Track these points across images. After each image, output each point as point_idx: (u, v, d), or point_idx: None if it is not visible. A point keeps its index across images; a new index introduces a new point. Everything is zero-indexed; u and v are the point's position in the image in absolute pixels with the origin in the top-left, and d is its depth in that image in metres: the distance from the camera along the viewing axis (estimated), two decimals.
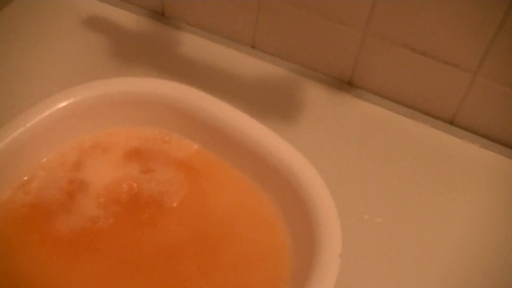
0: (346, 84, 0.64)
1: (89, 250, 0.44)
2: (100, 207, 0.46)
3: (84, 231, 0.45)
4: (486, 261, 0.52)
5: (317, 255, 0.40)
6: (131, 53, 0.65)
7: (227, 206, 0.46)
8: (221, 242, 0.45)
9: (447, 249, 0.52)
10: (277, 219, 0.45)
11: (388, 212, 0.54)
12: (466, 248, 0.53)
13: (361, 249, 0.51)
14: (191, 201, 0.46)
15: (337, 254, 0.40)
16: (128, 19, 0.68)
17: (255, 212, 0.46)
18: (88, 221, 0.45)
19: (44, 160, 0.47)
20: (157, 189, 0.47)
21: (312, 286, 0.38)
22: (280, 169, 0.45)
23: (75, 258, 0.44)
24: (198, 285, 0.43)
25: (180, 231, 0.45)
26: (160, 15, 0.68)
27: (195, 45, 0.66)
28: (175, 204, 0.46)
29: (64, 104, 0.47)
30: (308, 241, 0.41)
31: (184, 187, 0.47)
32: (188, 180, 0.47)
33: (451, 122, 0.61)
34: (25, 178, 0.46)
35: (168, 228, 0.45)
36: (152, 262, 0.44)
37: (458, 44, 0.56)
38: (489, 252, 0.53)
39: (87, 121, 0.48)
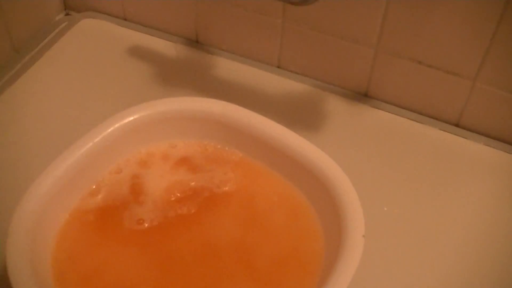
0: (362, 95, 0.68)
1: (148, 246, 0.50)
2: (157, 209, 0.52)
3: (143, 230, 0.50)
4: (491, 244, 0.56)
5: (344, 236, 0.45)
6: (171, 76, 0.69)
7: (268, 201, 0.52)
8: (264, 230, 0.50)
9: (456, 236, 0.56)
10: (309, 210, 0.51)
11: (404, 204, 0.58)
12: (473, 235, 0.57)
13: (382, 235, 0.56)
14: (237, 199, 0.52)
15: (361, 235, 0.46)
16: (166, 47, 0.73)
17: (291, 206, 0.52)
18: (147, 221, 0.51)
19: (109, 169, 0.53)
20: (206, 189, 0.53)
21: (341, 262, 0.44)
22: (311, 169, 0.50)
23: (138, 254, 0.49)
24: (240, 268, 0.49)
25: (227, 226, 0.51)
26: (194, 42, 0.73)
27: (227, 67, 0.71)
28: (223, 202, 0.52)
29: (126, 120, 0.53)
30: (335, 227, 0.47)
31: (230, 187, 0.53)
32: (233, 181, 0.53)
33: (457, 124, 0.65)
34: (94, 186, 0.53)
35: (216, 223, 0.51)
36: (202, 255, 0.49)
37: (458, 55, 0.60)
38: (493, 237, 0.57)
39: (145, 135, 0.54)
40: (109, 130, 0.53)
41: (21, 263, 0.45)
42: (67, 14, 0.79)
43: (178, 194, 0.53)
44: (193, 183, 0.54)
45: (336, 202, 0.48)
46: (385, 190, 0.60)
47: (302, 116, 0.66)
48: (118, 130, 0.53)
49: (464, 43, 0.59)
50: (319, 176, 0.50)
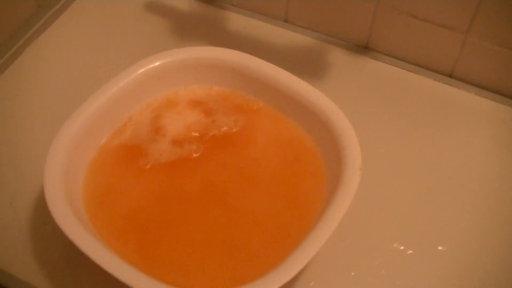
0: (363, 48, 0.72)
1: (165, 177, 0.56)
2: (175, 146, 0.57)
3: (163, 163, 0.56)
4: (479, 185, 0.61)
5: (343, 169, 0.51)
6: (186, 30, 0.73)
7: (277, 140, 0.57)
8: (274, 163, 0.56)
9: (446, 176, 0.61)
10: (314, 147, 0.56)
11: (400, 146, 0.63)
12: (462, 175, 0.61)
13: (378, 172, 0.61)
14: (246, 138, 0.58)
15: (358, 168, 0.51)
16: (180, 2, 0.76)
17: (297, 144, 0.57)
18: (165, 156, 0.57)
19: (132, 111, 0.59)
20: (218, 130, 0.58)
21: (341, 191, 0.50)
22: (315, 111, 0.56)
23: (157, 182, 0.55)
24: (254, 197, 0.54)
25: (241, 157, 0.57)
26: None
27: (238, 21, 0.74)
28: (233, 142, 0.57)
29: (150, 66, 0.58)
30: (336, 161, 0.52)
31: (241, 128, 0.58)
32: (244, 123, 0.58)
33: (450, 75, 0.69)
34: (119, 125, 0.58)
35: (224, 162, 0.57)
36: (220, 181, 0.55)
37: (450, 10, 0.64)
38: (482, 179, 0.61)
39: (166, 80, 0.59)
40: (134, 75, 0.58)
41: (56, 190, 0.50)
42: None
43: (194, 134, 0.58)
44: (207, 125, 0.59)
45: (337, 140, 0.53)
46: (383, 134, 0.64)
47: (307, 66, 0.70)
48: (141, 75, 0.58)
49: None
50: (322, 117, 0.55)
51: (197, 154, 0.57)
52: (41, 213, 0.58)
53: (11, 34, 0.73)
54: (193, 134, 0.58)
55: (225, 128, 0.59)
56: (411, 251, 0.56)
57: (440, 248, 0.57)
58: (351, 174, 0.51)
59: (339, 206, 0.49)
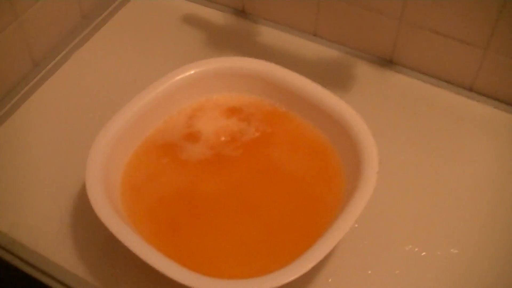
0: (388, 62, 0.75)
1: (196, 174, 0.60)
2: (208, 147, 0.62)
3: (194, 162, 0.61)
4: (495, 194, 0.63)
5: (361, 172, 0.55)
6: (220, 42, 0.77)
7: (301, 144, 0.62)
8: (296, 166, 0.60)
9: (463, 185, 0.64)
10: (334, 152, 0.60)
11: (419, 155, 0.66)
12: (479, 185, 0.64)
13: (396, 178, 0.64)
14: (274, 140, 0.62)
15: (375, 172, 0.55)
16: (215, 16, 0.81)
17: (319, 148, 0.61)
18: (196, 156, 0.61)
19: (169, 114, 0.63)
20: (247, 134, 0.62)
21: (359, 192, 0.53)
22: (336, 117, 0.59)
23: (189, 178, 0.60)
24: (277, 196, 0.58)
25: (267, 160, 0.61)
26: (241, 11, 0.81)
27: (269, 35, 0.78)
28: (262, 143, 0.62)
29: (187, 74, 0.63)
30: (355, 165, 0.56)
31: (269, 133, 0.62)
32: (271, 126, 0.63)
33: (470, 89, 0.72)
34: (156, 126, 0.63)
35: (259, 158, 0.61)
36: (245, 181, 0.60)
37: (470, 26, 0.67)
38: (498, 188, 0.64)
39: (202, 87, 0.64)
40: (171, 81, 0.63)
41: (96, 186, 0.55)
42: None
43: (224, 138, 0.63)
44: (237, 130, 0.63)
45: (356, 145, 0.57)
46: (403, 142, 0.68)
47: (334, 78, 0.74)
48: (178, 82, 0.63)
49: (476, 16, 0.66)
50: (342, 123, 0.59)
51: (227, 155, 0.62)
52: (81, 206, 0.62)
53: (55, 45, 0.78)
54: (223, 137, 0.63)
55: (253, 133, 0.63)
56: (424, 253, 0.60)
57: (453, 250, 0.60)
58: (368, 176, 0.55)
59: (356, 205, 0.53)
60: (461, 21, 0.68)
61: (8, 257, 0.59)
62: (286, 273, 0.50)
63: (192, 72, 0.63)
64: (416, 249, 0.60)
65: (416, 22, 0.70)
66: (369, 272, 0.58)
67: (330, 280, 0.58)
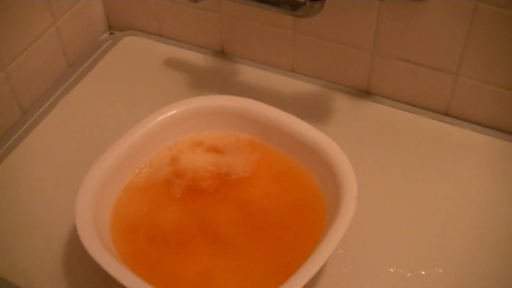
0: (364, 92, 0.77)
1: (186, 204, 0.62)
2: (190, 184, 0.64)
3: (182, 194, 0.63)
4: (474, 214, 0.65)
5: (340, 197, 0.56)
6: (201, 82, 0.79)
7: (282, 176, 0.63)
8: (276, 195, 0.62)
9: (442, 208, 0.65)
10: (313, 180, 0.62)
11: (398, 180, 0.67)
12: (457, 207, 0.65)
13: (376, 204, 0.65)
14: (256, 173, 0.64)
15: (354, 196, 0.56)
16: (196, 57, 0.83)
17: (299, 177, 0.63)
18: (185, 190, 0.63)
19: (153, 154, 0.65)
20: (230, 166, 0.65)
21: (339, 217, 0.55)
22: (315, 147, 0.61)
23: (181, 209, 0.62)
24: (262, 221, 0.60)
25: (248, 194, 0.63)
26: (220, 52, 0.83)
27: (249, 73, 0.80)
28: (244, 177, 0.64)
29: (168, 114, 0.65)
30: (334, 191, 0.58)
31: (248, 166, 0.64)
32: (251, 161, 0.65)
33: (446, 113, 0.74)
34: (142, 166, 0.65)
35: (241, 192, 0.63)
36: (232, 214, 0.61)
37: (439, 54, 0.69)
38: (476, 209, 0.65)
39: (181, 127, 0.66)
40: (154, 122, 0.65)
41: (86, 224, 0.57)
42: (111, 33, 0.91)
43: (207, 174, 0.65)
44: (219, 166, 0.65)
45: (335, 172, 0.59)
46: (382, 169, 0.69)
47: (313, 111, 0.76)
48: (160, 122, 0.65)
49: (444, 43, 0.69)
50: (321, 153, 0.61)
51: (209, 190, 0.63)
52: (73, 247, 0.64)
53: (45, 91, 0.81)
54: (206, 174, 0.64)
55: (235, 168, 0.65)
56: (409, 274, 0.61)
57: (437, 270, 0.61)
58: (348, 201, 0.56)
59: (337, 229, 0.55)
60: (431, 48, 0.70)
61: None
62: None
63: (173, 112, 0.65)
64: (401, 271, 0.61)
65: (388, 53, 0.73)
66: None
67: None
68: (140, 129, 0.64)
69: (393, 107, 0.76)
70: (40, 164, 0.72)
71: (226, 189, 0.63)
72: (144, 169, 0.65)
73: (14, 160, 0.73)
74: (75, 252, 0.63)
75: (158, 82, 0.81)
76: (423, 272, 0.61)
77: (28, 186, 0.70)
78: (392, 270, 0.61)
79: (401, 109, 0.76)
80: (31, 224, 0.66)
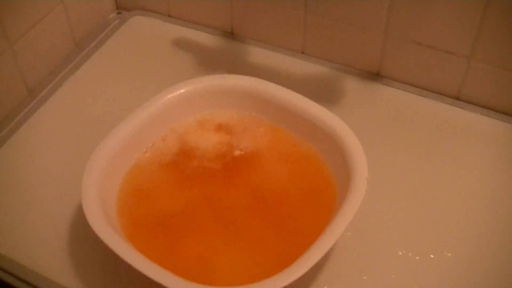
0: (374, 75, 0.76)
1: (194, 185, 0.62)
2: (200, 163, 0.63)
3: (190, 174, 0.62)
4: (485, 199, 0.64)
5: (351, 179, 0.56)
6: (210, 63, 0.79)
7: (292, 156, 0.62)
8: (286, 175, 0.61)
9: (452, 192, 0.65)
10: (323, 161, 0.61)
11: (407, 163, 0.67)
12: (468, 191, 0.65)
13: (386, 186, 0.65)
14: (266, 154, 0.63)
15: (364, 177, 0.56)
16: (205, 38, 0.83)
17: (309, 158, 0.62)
18: (193, 170, 0.63)
19: (162, 133, 0.64)
20: (239, 147, 0.64)
21: (350, 198, 0.54)
22: (325, 128, 0.61)
23: (187, 189, 0.61)
24: (271, 202, 0.60)
25: (257, 174, 0.62)
26: (230, 33, 0.83)
27: (258, 54, 0.80)
28: (252, 155, 0.63)
29: (174, 94, 0.64)
30: (345, 173, 0.57)
31: (258, 146, 0.64)
32: (260, 141, 0.64)
33: (457, 98, 0.73)
34: (150, 144, 0.64)
35: (250, 172, 0.62)
36: (233, 196, 0.61)
37: (453, 37, 0.68)
38: (487, 194, 0.65)
39: (189, 106, 0.65)
40: (162, 100, 0.64)
41: (92, 203, 0.56)
42: (118, 13, 0.90)
43: (215, 153, 0.64)
44: (228, 146, 0.64)
45: (345, 153, 0.58)
46: (393, 151, 0.69)
47: (322, 93, 0.75)
48: (169, 100, 0.64)
49: (458, 26, 0.68)
50: (331, 133, 0.61)
51: (217, 170, 0.63)
52: (79, 226, 0.63)
53: (51, 71, 0.80)
54: (214, 154, 0.64)
55: (244, 149, 0.64)
56: (418, 257, 0.60)
57: (446, 254, 0.60)
58: (358, 182, 0.56)
59: (347, 210, 0.54)
60: (444, 31, 0.69)
61: (8, 279, 0.60)
62: (278, 280, 0.50)
63: (181, 91, 0.64)
64: (410, 254, 0.60)
65: (400, 35, 0.72)
66: (364, 278, 0.59)
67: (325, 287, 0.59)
68: (148, 107, 0.63)
69: (404, 90, 0.75)
70: (46, 143, 0.71)
71: (234, 169, 0.63)
72: (152, 149, 0.64)
73: (19, 139, 0.72)
74: (81, 231, 0.62)
75: (166, 63, 0.80)
76: (432, 256, 0.60)
77: (33, 165, 0.69)
78: (400, 253, 0.61)
79: (412, 93, 0.75)
80: (37, 203, 0.65)
